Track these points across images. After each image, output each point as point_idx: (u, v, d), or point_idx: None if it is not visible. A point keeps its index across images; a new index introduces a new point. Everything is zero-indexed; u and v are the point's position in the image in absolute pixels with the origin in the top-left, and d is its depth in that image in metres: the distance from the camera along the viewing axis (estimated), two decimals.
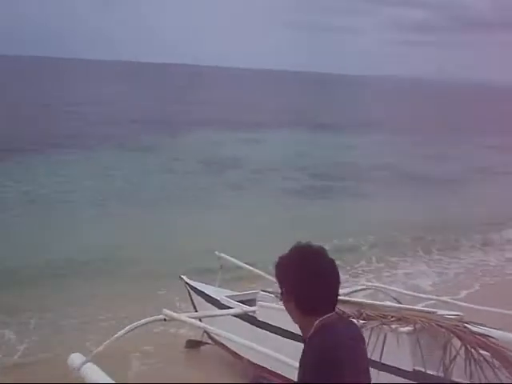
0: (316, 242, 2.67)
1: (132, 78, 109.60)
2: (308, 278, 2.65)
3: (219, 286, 7.66)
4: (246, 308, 6.50)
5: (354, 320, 5.33)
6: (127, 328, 5.79)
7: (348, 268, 11.62)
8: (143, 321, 5.83)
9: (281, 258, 2.76)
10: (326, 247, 2.69)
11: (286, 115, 45.60)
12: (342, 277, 2.67)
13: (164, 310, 5.74)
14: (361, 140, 33.09)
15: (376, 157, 27.34)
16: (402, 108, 65.63)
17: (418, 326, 5.04)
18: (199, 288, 7.79)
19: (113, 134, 28.64)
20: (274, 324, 6.08)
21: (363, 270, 11.84)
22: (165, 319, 5.72)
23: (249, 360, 6.16)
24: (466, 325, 5.11)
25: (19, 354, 7.93)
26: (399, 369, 4.92)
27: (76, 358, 5.28)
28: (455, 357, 4.97)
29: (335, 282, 2.69)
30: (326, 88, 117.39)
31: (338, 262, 2.68)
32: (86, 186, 18.15)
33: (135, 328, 5.86)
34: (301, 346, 2.57)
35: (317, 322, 2.64)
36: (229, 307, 6.76)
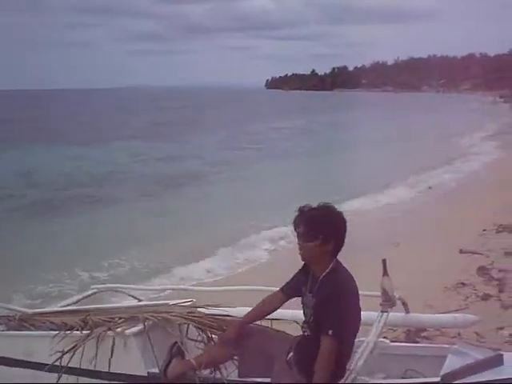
0: None
1: None
2: (344, 228, 3.68)
3: None
4: None
5: (77, 332, 4.66)
6: None
7: None
8: None
9: (315, 210, 3.67)
10: None
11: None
12: None
13: None
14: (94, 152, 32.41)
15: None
16: (138, 116, 65.78)
17: (148, 323, 4.45)
18: None
19: None
20: None
21: None
22: None
23: None
24: (199, 309, 4.72)
25: None
26: (131, 375, 4.30)
27: None
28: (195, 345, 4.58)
29: None
30: (49, 103, 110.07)
31: None
32: None
33: None
34: None
35: (333, 261, 3.67)
36: None
